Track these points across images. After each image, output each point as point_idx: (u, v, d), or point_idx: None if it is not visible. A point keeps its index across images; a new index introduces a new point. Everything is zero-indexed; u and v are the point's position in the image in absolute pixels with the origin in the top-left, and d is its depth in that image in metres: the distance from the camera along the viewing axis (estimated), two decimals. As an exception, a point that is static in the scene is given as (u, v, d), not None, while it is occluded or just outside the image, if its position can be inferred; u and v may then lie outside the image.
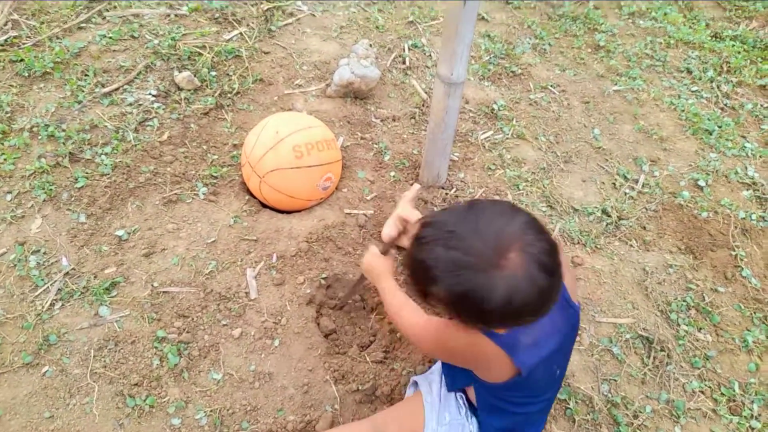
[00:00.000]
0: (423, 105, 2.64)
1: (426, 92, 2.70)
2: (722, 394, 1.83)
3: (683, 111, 2.82)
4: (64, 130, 2.22)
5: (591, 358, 1.85)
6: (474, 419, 1.39)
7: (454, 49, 1.83)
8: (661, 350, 1.90)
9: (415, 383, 1.53)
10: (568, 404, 1.73)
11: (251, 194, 2.17)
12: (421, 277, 1.03)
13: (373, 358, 1.78)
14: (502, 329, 1.11)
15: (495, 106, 2.68)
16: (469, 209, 1.03)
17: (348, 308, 1.96)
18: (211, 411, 1.61)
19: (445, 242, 0.98)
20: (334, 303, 1.94)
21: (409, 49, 2.93)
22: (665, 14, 3.48)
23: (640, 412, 1.75)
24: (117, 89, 2.44)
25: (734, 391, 1.84)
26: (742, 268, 2.16)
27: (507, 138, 2.55)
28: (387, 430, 1.35)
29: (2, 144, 2.16)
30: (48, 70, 2.45)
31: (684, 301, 2.04)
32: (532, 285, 0.94)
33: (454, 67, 1.87)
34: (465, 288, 0.96)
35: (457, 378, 1.42)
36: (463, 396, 1.42)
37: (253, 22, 2.86)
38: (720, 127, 2.75)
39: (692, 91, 2.98)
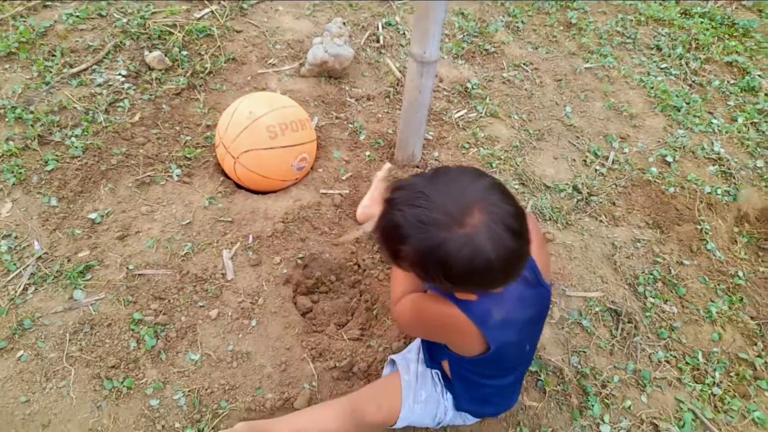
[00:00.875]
0: (397, 84, 2.64)
1: (400, 71, 2.70)
2: (686, 363, 1.90)
3: (652, 88, 2.87)
4: (32, 112, 2.18)
5: (561, 331, 1.91)
6: (449, 395, 1.43)
7: (427, 28, 1.83)
8: (629, 322, 1.96)
9: (393, 362, 1.56)
10: (539, 376, 1.79)
11: (226, 175, 2.16)
12: (391, 238, 1.07)
13: (349, 335, 1.81)
14: (470, 294, 1.16)
15: (468, 85, 2.69)
16: (436, 173, 1.08)
17: (325, 288, 1.98)
18: (189, 391, 1.62)
19: (413, 201, 1.02)
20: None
21: (383, 27, 2.91)
22: (637, -9, 3.51)
23: (608, 381, 1.82)
24: (86, 69, 2.39)
25: (698, 360, 1.91)
26: (707, 242, 2.23)
27: (480, 116, 2.57)
28: (365, 407, 1.38)
29: (-33, 127, 2.11)
30: (13, 50, 2.39)
31: (651, 274, 2.10)
32: (495, 244, 0.98)
33: (426, 46, 1.88)
34: (430, 244, 1.00)
35: (434, 353, 1.47)
36: (439, 373, 1.46)
37: (224, 0, 2.81)
38: (688, 103, 2.81)
39: (661, 68, 3.03)
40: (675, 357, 1.92)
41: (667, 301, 2.05)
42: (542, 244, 1.39)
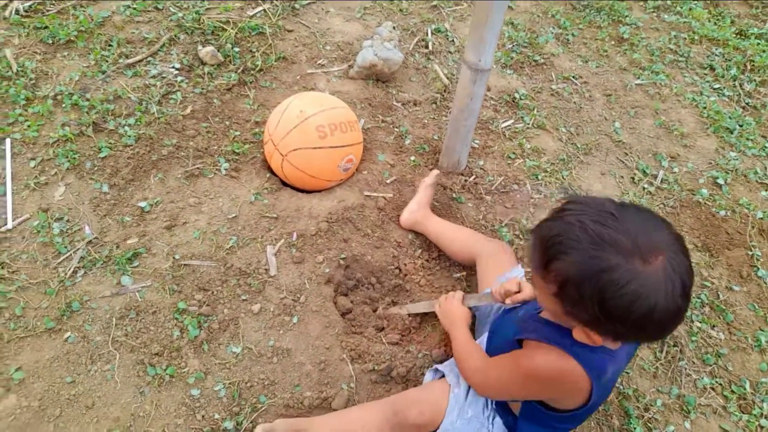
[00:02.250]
0: (444, 90, 2.63)
1: (448, 77, 2.69)
2: (733, 391, 1.85)
3: (705, 108, 2.81)
4: (87, 100, 2.22)
5: (604, 349, 1.87)
6: (497, 420, 1.39)
7: (483, 36, 1.82)
8: (674, 345, 1.91)
9: (436, 370, 1.55)
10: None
11: (272, 172, 2.17)
12: (553, 245, 0.97)
13: (389, 339, 1.80)
14: (603, 338, 1.02)
15: (516, 95, 2.67)
16: (624, 204, 0.99)
17: (365, 290, 1.98)
18: (230, 383, 1.63)
19: (599, 218, 0.94)
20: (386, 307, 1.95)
21: (432, 33, 2.91)
22: (690, 9, 3.44)
23: (651, 405, 1.77)
24: (140, 61, 2.44)
25: (745, 389, 1.85)
26: (758, 268, 2.17)
27: (527, 127, 2.55)
28: (408, 412, 1.37)
29: (26, 110, 2.16)
30: (72, 39, 2.45)
31: (699, 298, 2.05)
32: (667, 295, 0.90)
33: (482, 54, 1.87)
34: (599, 265, 0.91)
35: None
36: (494, 402, 1.42)
37: (277, 0, 2.85)
38: (741, 125, 2.74)
39: (714, 89, 2.96)
40: (721, 384, 1.86)
41: (714, 326, 1.99)
42: None
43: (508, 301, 1.42)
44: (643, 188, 2.38)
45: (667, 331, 1.00)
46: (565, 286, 0.97)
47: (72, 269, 1.79)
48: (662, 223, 0.97)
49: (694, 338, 1.94)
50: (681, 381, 1.84)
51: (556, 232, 0.98)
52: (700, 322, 1.99)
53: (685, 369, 1.87)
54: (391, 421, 1.37)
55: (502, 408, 1.41)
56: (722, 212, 2.33)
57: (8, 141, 2.05)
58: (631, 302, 0.90)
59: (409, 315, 1.89)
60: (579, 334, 1.05)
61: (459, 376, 1.47)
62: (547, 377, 1.13)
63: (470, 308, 1.64)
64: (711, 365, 1.89)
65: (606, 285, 0.91)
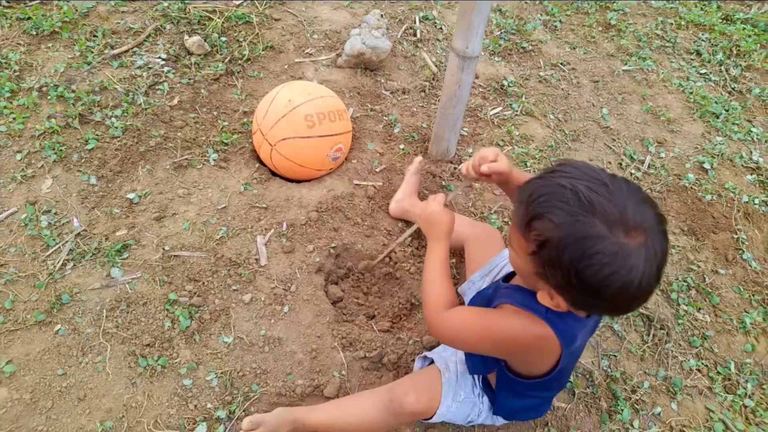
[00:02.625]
0: (433, 78, 2.63)
1: (436, 65, 2.69)
2: (718, 372, 1.88)
3: (691, 93, 2.83)
4: (73, 91, 2.21)
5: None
6: (485, 398, 1.42)
7: (471, 22, 1.82)
8: (661, 328, 1.94)
9: (424, 357, 1.56)
10: (569, 378, 1.78)
11: (261, 162, 2.17)
12: (542, 201, 0.95)
13: (380, 327, 1.81)
14: (568, 305, 1.03)
15: (505, 82, 2.68)
16: (615, 176, 0.97)
17: (355, 280, 1.99)
18: (221, 373, 1.64)
19: (591, 184, 0.92)
20: (367, 263, 1.96)
21: (420, 21, 2.90)
22: (677, -5, 3.45)
23: (638, 387, 1.80)
24: (126, 51, 2.42)
25: (730, 370, 1.89)
26: (743, 251, 2.20)
27: (516, 114, 2.56)
28: (405, 398, 1.38)
29: (11, 103, 2.14)
30: (56, 30, 2.42)
31: (685, 281, 2.08)
32: (642, 275, 0.90)
33: (469, 41, 1.87)
34: (583, 231, 0.89)
35: (477, 365, 1.38)
36: (479, 378, 1.45)
37: (263, -12, 2.83)
38: (727, 110, 2.76)
39: (701, 74, 2.98)
40: (707, 366, 1.89)
41: (700, 309, 2.02)
42: None
43: (484, 168, 1.31)
44: (631, 173, 2.40)
45: (632, 309, 1.01)
46: (544, 247, 0.95)
47: (61, 262, 1.79)
48: (649, 200, 0.95)
49: (680, 321, 1.97)
50: (668, 363, 1.87)
51: (546, 191, 0.95)
52: (687, 305, 2.02)
53: (672, 351, 1.90)
54: (388, 409, 1.39)
55: (485, 385, 1.44)
56: (708, 196, 2.35)
57: (-7, 134, 2.04)
58: (608, 275, 0.89)
59: (400, 245, 1.89)
60: (543, 296, 1.05)
61: (447, 360, 1.48)
62: (520, 342, 1.13)
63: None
64: (697, 347, 1.92)
65: (587, 253, 0.89)
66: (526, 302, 1.11)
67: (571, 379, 1.77)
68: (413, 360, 1.72)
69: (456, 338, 1.25)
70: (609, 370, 1.82)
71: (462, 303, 1.68)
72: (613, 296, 0.92)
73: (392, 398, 1.38)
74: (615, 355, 1.86)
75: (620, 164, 2.44)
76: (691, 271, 2.11)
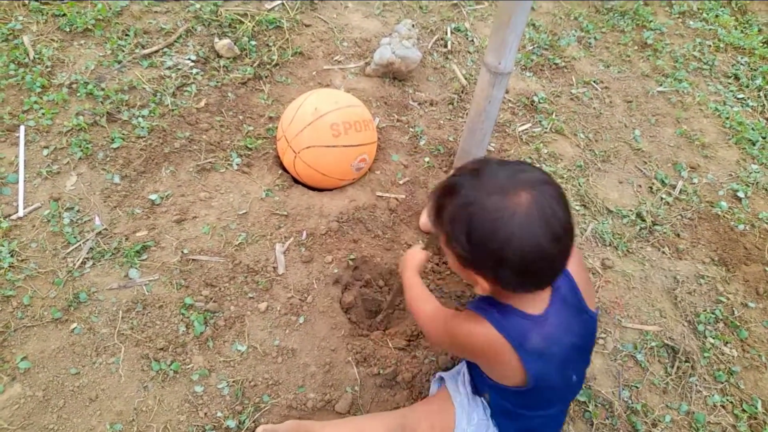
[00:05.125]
0: (462, 91, 2.60)
1: (466, 78, 2.65)
2: (744, 410, 1.81)
3: (727, 118, 2.74)
4: (102, 89, 2.22)
5: (614, 362, 1.83)
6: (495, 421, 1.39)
7: (505, 38, 1.78)
8: (686, 361, 1.87)
9: (441, 378, 1.52)
10: (587, 407, 1.72)
11: (284, 169, 2.16)
12: (444, 194, 1.09)
13: (395, 344, 1.78)
14: (489, 282, 1.10)
15: (535, 98, 2.63)
16: (501, 160, 1.12)
17: (373, 292, 1.96)
18: (233, 381, 1.62)
19: (473, 166, 1.09)
20: (377, 318, 1.93)
21: (451, 32, 2.87)
22: (717, 16, 3.37)
23: (660, 420, 1.74)
24: (156, 52, 2.43)
25: (756, 408, 1.81)
26: (776, 285, 2.12)
27: (545, 132, 2.51)
28: (418, 426, 1.35)
29: (41, 98, 2.16)
30: (89, 27, 2.44)
31: (713, 313, 2.00)
32: (525, 232, 0.97)
33: (502, 57, 1.83)
34: (468, 201, 1.02)
35: (477, 384, 1.42)
36: (486, 400, 1.41)
37: (296, -7, 2.83)
38: (764, 137, 2.68)
39: (738, 99, 2.90)
40: (732, 403, 1.82)
41: (727, 343, 1.95)
42: (583, 268, 1.33)
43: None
44: (661, 198, 2.34)
45: (538, 273, 1.05)
46: (445, 225, 1.08)
47: (81, 260, 1.79)
48: (531, 168, 1.06)
49: (706, 354, 1.90)
50: (691, 397, 1.80)
51: (446, 183, 1.12)
52: (713, 338, 1.94)
53: (696, 385, 1.83)
54: None
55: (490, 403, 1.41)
56: (741, 226, 2.28)
57: (22, 128, 2.06)
58: (490, 230, 0.99)
59: (389, 307, 1.88)
60: (477, 287, 1.12)
61: (458, 381, 1.45)
62: (469, 342, 1.20)
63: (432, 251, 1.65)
64: (723, 383, 1.85)
65: (468, 215, 1.02)
66: (479, 305, 1.19)
67: (590, 408, 1.71)
68: (428, 380, 1.68)
69: (437, 343, 1.44)
70: (630, 402, 1.76)
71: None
72: (501, 254, 1.00)
73: (405, 425, 1.35)
74: (637, 386, 1.80)
75: (651, 188, 2.37)
76: (719, 303, 2.04)
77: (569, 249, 1.04)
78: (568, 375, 1.26)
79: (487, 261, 1.05)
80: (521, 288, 1.10)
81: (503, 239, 0.98)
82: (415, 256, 1.58)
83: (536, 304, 1.15)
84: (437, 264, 2.02)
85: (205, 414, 1.56)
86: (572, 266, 1.17)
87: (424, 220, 2.05)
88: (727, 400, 1.83)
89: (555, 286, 1.18)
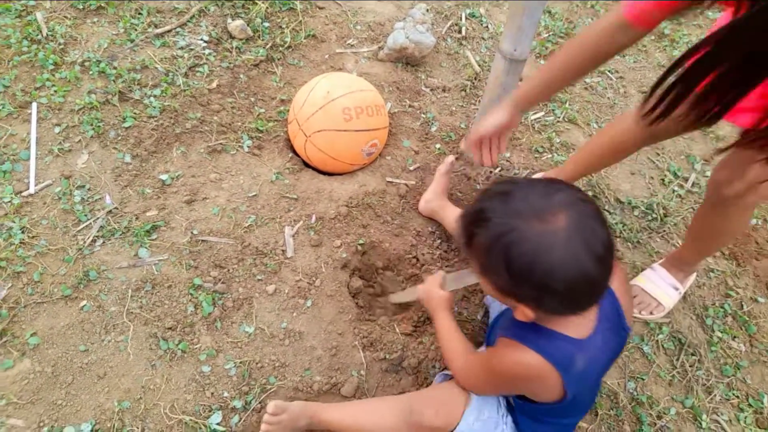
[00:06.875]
0: (475, 78, 2.57)
1: (479, 65, 2.63)
2: (749, 405, 1.80)
3: (743, 111, 2.70)
4: (115, 68, 2.21)
5: (620, 354, 1.83)
6: (509, 418, 1.38)
7: (521, 25, 1.75)
8: (693, 354, 1.87)
9: (445, 374, 1.53)
10: (591, 404, 1.72)
11: (295, 152, 2.15)
12: (473, 221, 1.05)
13: (402, 329, 1.78)
14: (533, 311, 1.06)
15: (548, 87, 2.60)
16: (534, 180, 1.09)
17: (380, 277, 1.96)
18: (240, 362, 1.63)
19: (503, 189, 1.03)
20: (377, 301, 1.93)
21: (466, 18, 2.84)
22: (736, 6, 3.31)
23: (665, 413, 1.74)
24: (169, 31, 2.41)
25: (762, 403, 1.81)
26: (786, 281, 2.10)
27: (558, 121, 2.48)
28: (424, 410, 1.34)
29: (53, 75, 2.16)
30: (102, 5, 2.43)
31: (722, 307, 1.99)
32: (568, 255, 0.93)
33: (518, 43, 1.80)
34: (502, 231, 0.97)
35: None
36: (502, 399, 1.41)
37: (309, -25, 2.79)
38: (780, 132, 2.64)
39: (755, 91, 2.85)
40: (738, 397, 1.82)
41: (735, 337, 1.94)
42: (626, 285, 1.33)
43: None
44: (673, 191, 2.31)
45: (583, 299, 1.02)
46: (480, 257, 1.04)
47: (91, 238, 1.80)
48: (565, 187, 1.01)
49: (713, 348, 1.89)
50: (697, 391, 1.80)
51: (473, 208, 1.07)
52: (722, 332, 1.94)
53: (702, 378, 1.83)
54: (406, 420, 1.36)
55: (509, 404, 1.41)
56: (753, 221, 2.25)
57: (35, 105, 2.06)
58: (531, 262, 0.95)
59: (393, 304, 1.87)
60: (518, 313, 1.09)
61: None
62: (513, 374, 1.16)
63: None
64: (729, 377, 1.85)
65: (506, 246, 0.97)
66: (516, 331, 1.15)
67: (596, 400, 1.71)
68: (434, 366, 1.69)
69: (474, 388, 1.37)
70: (635, 393, 1.76)
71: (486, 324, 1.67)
72: (545, 282, 0.96)
73: (412, 409, 1.35)
74: (642, 378, 1.79)
75: (663, 180, 2.35)
76: (729, 297, 2.03)
77: (612, 266, 1.00)
78: (598, 385, 1.31)
79: (530, 291, 1.01)
80: (566, 312, 1.08)
81: (546, 269, 0.94)
82: (440, 295, 1.53)
83: (581, 326, 1.12)
84: (445, 251, 2.02)
85: (212, 394, 1.58)
86: (615, 283, 1.14)
87: (423, 205, 2.03)
88: (733, 394, 1.82)
89: (599, 304, 1.15)
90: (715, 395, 1.79)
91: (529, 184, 1.04)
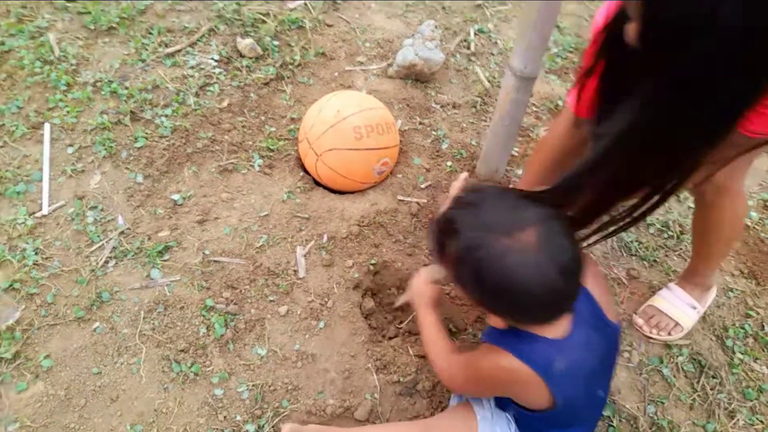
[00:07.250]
0: (485, 94, 2.56)
1: (489, 81, 2.62)
2: (773, 429, 1.76)
3: (757, 125, 2.67)
4: (126, 88, 2.22)
5: (639, 377, 1.80)
6: None
7: (531, 41, 1.75)
8: (713, 377, 1.83)
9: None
10: (611, 422, 1.69)
11: (306, 170, 2.14)
12: (444, 230, 1.08)
13: (416, 351, 1.76)
14: (505, 318, 1.10)
15: (560, 102, 2.59)
16: (502, 190, 1.17)
17: (393, 297, 1.94)
18: (253, 385, 1.61)
19: (473, 200, 1.07)
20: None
21: (475, 33, 2.84)
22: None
23: (685, 437, 1.70)
24: (180, 51, 2.43)
25: (786, 427, 1.76)
26: (807, 300, 2.06)
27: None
28: None
29: (66, 96, 2.17)
30: (113, 25, 2.45)
31: (742, 328, 1.95)
32: (536, 272, 0.96)
33: (528, 60, 1.79)
34: (473, 244, 1.00)
35: (501, 402, 1.40)
36: (511, 416, 1.39)
37: (319, -7, 2.81)
38: (795, 146, 2.61)
39: (769, 105, 2.82)
40: (762, 422, 1.77)
41: (757, 359, 1.90)
42: (599, 279, 1.32)
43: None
44: (689, 207, 2.28)
45: (554, 310, 1.06)
46: (451, 268, 1.07)
47: (104, 259, 1.80)
48: (533, 202, 1.04)
49: (735, 370, 1.85)
50: (719, 415, 1.76)
51: (444, 218, 1.10)
52: (742, 354, 1.90)
53: (724, 402, 1.79)
54: None
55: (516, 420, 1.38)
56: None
57: (47, 126, 2.07)
58: (501, 281, 0.98)
59: (395, 308, 1.85)
60: (491, 320, 1.13)
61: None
62: (494, 378, 1.18)
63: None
64: (752, 400, 1.80)
65: (478, 262, 0.99)
66: (495, 336, 1.18)
67: (614, 423, 1.68)
68: (449, 390, 1.66)
69: (458, 389, 1.40)
70: (655, 418, 1.72)
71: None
72: (517, 297, 1.00)
73: (427, 436, 1.33)
74: (662, 402, 1.76)
75: (678, 197, 2.32)
76: (749, 317, 1.99)
77: (581, 277, 1.03)
78: (594, 391, 1.25)
79: (500, 306, 1.06)
80: (538, 323, 1.09)
81: (516, 289, 0.98)
82: (428, 290, 1.48)
83: (558, 326, 1.13)
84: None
85: (225, 417, 1.56)
86: (587, 279, 1.14)
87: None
88: (757, 419, 1.78)
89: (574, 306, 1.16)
90: (738, 420, 1.75)
91: (499, 196, 1.07)
